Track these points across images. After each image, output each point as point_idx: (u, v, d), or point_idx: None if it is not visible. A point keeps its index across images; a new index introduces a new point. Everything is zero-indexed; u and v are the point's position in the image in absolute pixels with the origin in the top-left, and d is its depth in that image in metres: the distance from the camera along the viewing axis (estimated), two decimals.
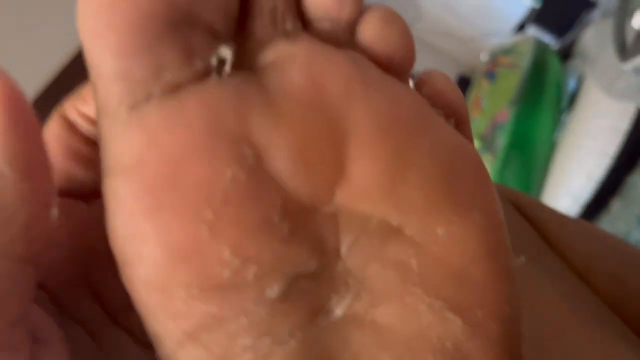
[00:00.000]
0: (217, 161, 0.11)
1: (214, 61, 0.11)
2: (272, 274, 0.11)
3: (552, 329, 0.16)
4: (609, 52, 0.58)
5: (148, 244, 0.11)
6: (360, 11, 0.12)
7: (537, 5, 0.85)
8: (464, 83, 0.95)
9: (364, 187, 0.11)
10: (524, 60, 0.71)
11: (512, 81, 0.71)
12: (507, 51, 0.77)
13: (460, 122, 0.13)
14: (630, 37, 0.55)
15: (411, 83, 0.13)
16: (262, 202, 0.11)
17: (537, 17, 0.84)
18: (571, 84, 0.74)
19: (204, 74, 0.11)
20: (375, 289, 0.12)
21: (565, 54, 0.77)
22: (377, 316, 0.12)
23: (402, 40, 0.12)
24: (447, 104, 0.13)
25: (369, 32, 0.12)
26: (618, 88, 0.56)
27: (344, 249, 0.12)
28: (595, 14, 0.75)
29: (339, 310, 0.12)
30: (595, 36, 0.65)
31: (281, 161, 0.11)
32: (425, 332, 0.12)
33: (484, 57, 0.82)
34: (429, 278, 0.12)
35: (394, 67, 0.13)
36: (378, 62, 0.12)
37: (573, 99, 0.72)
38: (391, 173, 0.12)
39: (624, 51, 0.55)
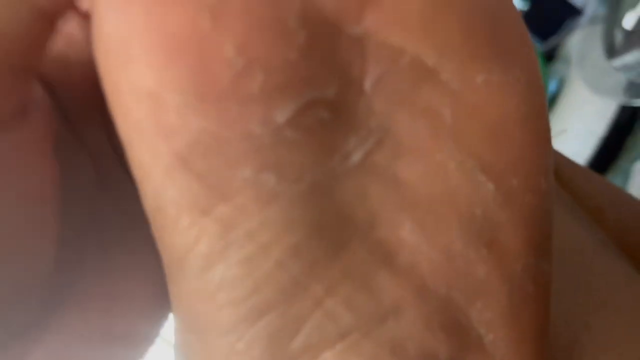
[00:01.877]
0: None
1: None
2: (282, 89, 0.09)
3: (571, 248, 0.15)
4: (597, 53, 0.58)
5: (137, 35, 0.09)
6: None
7: (524, 8, 0.85)
8: None
9: (399, 12, 0.10)
10: None
11: None
12: None
13: None
14: (619, 37, 0.55)
15: None
16: None
17: (523, 19, 0.84)
18: (552, 86, 0.74)
19: None
20: (401, 137, 0.10)
21: (549, 57, 0.78)
22: (400, 170, 0.10)
23: None
24: None
25: None
26: (605, 86, 0.56)
27: (368, 83, 0.10)
28: (582, 20, 0.76)
29: (356, 156, 0.10)
30: (583, 39, 0.65)
31: None
32: (453, 195, 0.10)
33: None
34: (462, 132, 0.10)
35: None
36: None
37: (553, 100, 0.72)
38: (431, 3, 0.10)
39: (612, 50, 0.55)
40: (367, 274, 0.10)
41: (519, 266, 0.10)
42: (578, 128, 0.68)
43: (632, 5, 0.57)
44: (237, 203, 0.09)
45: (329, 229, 0.10)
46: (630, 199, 0.21)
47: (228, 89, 0.09)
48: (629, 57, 0.51)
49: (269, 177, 0.09)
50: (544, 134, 0.11)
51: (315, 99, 0.10)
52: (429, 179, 0.10)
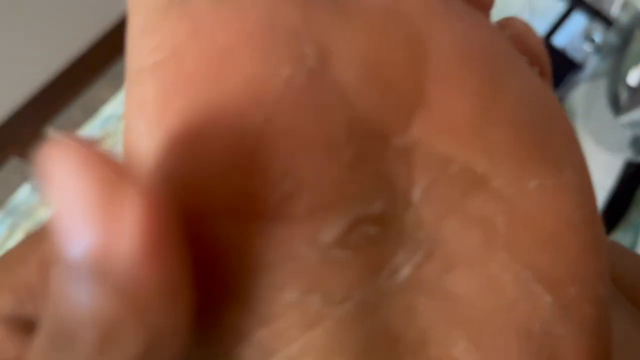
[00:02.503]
0: (271, 56, 0.09)
1: None
2: (328, 208, 0.09)
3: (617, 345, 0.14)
4: (602, 107, 0.58)
5: (178, 154, 0.08)
6: None
7: None
8: None
9: (447, 119, 0.09)
10: None
11: None
12: None
13: (543, 73, 0.11)
14: (624, 94, 0.55)
15: None
16: (323, 113, 0.09)
17: None
18: None
19: None
20: (452, 249, 0.10)
21: None
22: (452, 284, 0.10)
23: None
24: (529, 50, 0.11)
25: None
26: (611, 142, 0.56)
27: (416, 194, 0.09)
28: (583, 75, 0.77)
29: (405, 270, 0.09)
30: (586, 94, 0.65)
31: (350, 70, 0.09)
32: (509, 310, 0.09)
33: None
34: (516, 241, 0.10)
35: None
36: None
37: None
38: (480, 108, 0.09)
39: (617, 106, 0.55)
40: None
41: None
42: None
43: (635, 62, 0.58)
44: (278, 327, 0.09)
45: (376, 351, 0.09)
46: None
47: (274, 212, 0.08)
48: (636, 114, 0.51)
49: (315, 298, 0.09)
50: (599, 237, 0.10)
51: (362, 216, 0.09)
52: (483, 292, 0.09)
